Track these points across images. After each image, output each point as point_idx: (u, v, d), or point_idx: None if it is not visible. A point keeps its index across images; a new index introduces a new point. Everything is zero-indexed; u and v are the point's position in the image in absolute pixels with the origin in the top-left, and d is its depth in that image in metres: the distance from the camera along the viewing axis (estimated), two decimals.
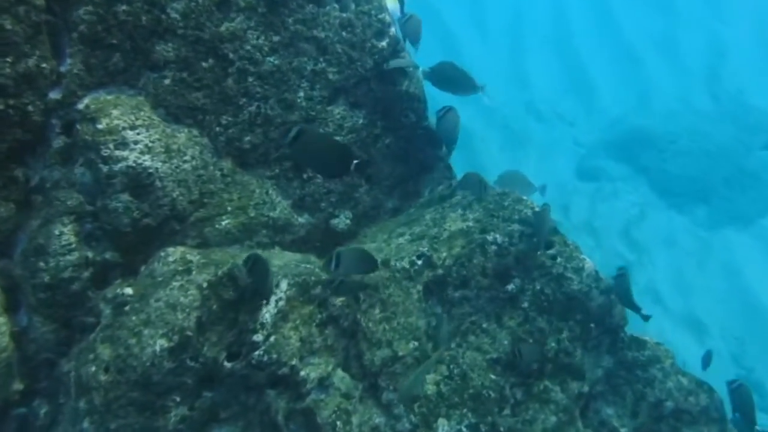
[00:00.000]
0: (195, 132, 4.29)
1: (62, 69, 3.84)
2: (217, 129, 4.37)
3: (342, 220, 4.96)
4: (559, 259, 4.51)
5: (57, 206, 3.90)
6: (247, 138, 4.51)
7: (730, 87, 16.63)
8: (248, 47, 4.32)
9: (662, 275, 12.39)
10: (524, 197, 4.73)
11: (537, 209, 4.60)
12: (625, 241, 13.58)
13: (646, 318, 4.73)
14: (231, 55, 4.27)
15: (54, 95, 3.83)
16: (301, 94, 4.62)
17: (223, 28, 4.18)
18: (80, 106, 3.91)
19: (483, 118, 17.17)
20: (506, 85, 18.49)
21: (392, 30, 4.84)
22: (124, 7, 3.85)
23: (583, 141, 16.54)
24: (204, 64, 4.21)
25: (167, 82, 4.13)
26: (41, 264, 3.79)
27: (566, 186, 15.32)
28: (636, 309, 4.66)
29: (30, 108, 3.70)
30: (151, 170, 3.92)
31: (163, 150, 4.01)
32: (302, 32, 4.50)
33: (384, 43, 4.80)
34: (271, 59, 4.42)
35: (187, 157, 4.17)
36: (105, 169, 3.81)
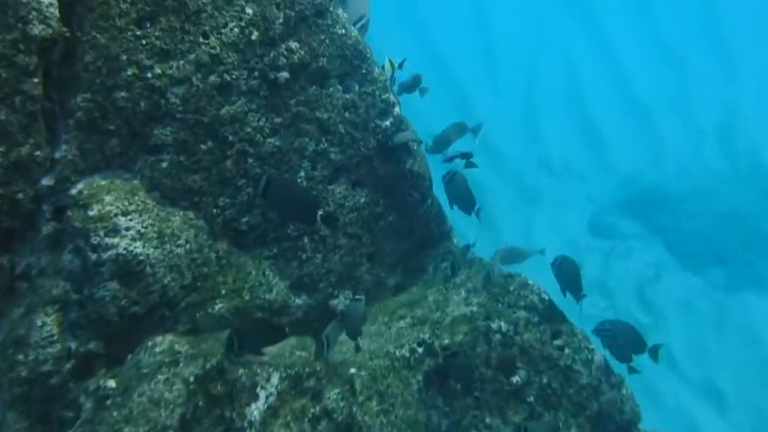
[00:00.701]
0: (191, 214, 4.18)
1: (57, 155, 3.76)
2: (214, 211, 4.26)
3: (342, 301, 4.80)
4: (567, 350, 4.31)
5: (42, 294, 3.78)
6: (245, 219, 4.40)
7: (743, 146, 16.46)
8: (249, 129, 4.23)
9: (679, 340, 12.05)
10: (530, 281, 4.55)
11: (545, 295, 4.41)
12: (639, 303, 13.28)
13: (632, 370, 4.51)
14: (231, 138, 4.19)
15: (46, 182, 3.75)
16: (302, 173, 4.52)
17: (223, 111, 4.11)
18: (73, 192, 3.82)
19: (495, 173, 17.09)
20: (519, 139, 18.44)
21: (396, 109, 4.76)
22: (123, 94, 3.79)
23: (596, 197, 16.36)
24: (203, 147, 4.13)
25: (164, 165, 4.05)
26: (20, 357, 3.65)
27: (578, 243, 15.10)
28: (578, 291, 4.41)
29: (20, 196, 3.62)
30: (141, 257, 3.79)
31: (155, 235, 3.89)
32: (304, 114, 4.42)
33: (388, 123, 4.71)
34: (272, 140, 4.34)
35: (181, 241, 4.05)
36: (93, 257, 3.69)
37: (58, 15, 3.52)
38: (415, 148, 4.91)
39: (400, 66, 5.31)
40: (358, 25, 5.26)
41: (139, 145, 3.99)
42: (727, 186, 14.53)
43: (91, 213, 3.74)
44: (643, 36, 20.80)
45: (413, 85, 5.51)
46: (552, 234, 15.50)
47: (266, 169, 4.35)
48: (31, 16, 3.38)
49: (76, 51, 3.68)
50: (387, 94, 4.71)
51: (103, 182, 3.89)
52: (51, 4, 3.45)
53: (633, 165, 16.30)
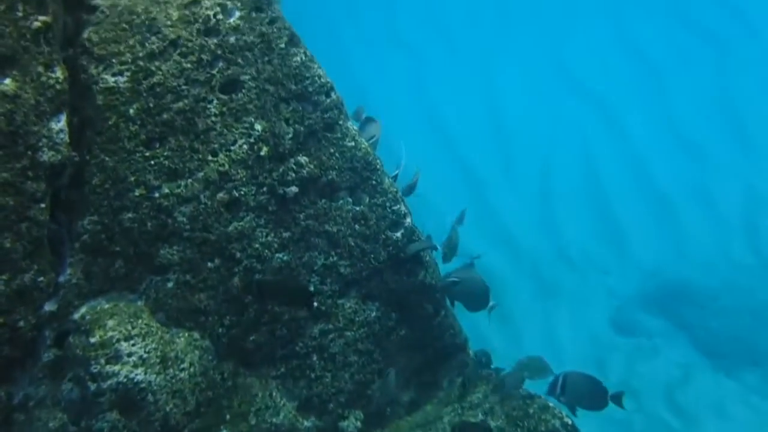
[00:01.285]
0: (196, 335, 4.21)
1: (61, 279, 3.83)
2: (220, 330, 4.31)
3: (352, 422, 4.76)
4: None
5: (38, 428, 3.76)
6: (252, 337, 4.43)
7: None
8: (257, 245, 4.32)
9: None
10: (551, 404, 4.49)
11: (568, 419, 4.35)
12: (669, 406, 12.94)
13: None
14: (238, 255, 4.27)
15: (49, 307, 3.81)
16: (311, 288, 4.56)
17: (231, 228, 4.21)
18: (76, 316, 3.88)
19: (512, 264, 17.08)
20: (536, 230, 18.52)
21: (408, 220, 4.85)
22: (129, 215, 3.90)
23: (618, 292, 16.25)
24: (210, 265, 4.21)
25: (170, 285, 4.12)
26: None
27: (601, 340, 14.90)
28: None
29: (21, 323, 3.66)
30: (143, 384, 3.81)
31: (158, 360, 3.91)
32: (314, 227, 4.52)
33: (399, 234, 4.80)
34: (281, 255, 4.42)
35: (184, 365, 4.06)
36: (93, 387, 3.71)
37: (68, 140, 3.66)
38: (427, 258, 4.97)
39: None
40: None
41: (145, 265, 4.07)
42: (756, 281, 14.41)
43: (92, 340, 3.78)
44: (660, 123, 21.21)
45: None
46: (573, 330, 15.32)
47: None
48: (41, 144, 3.53)
49: (84, 174, 3.82)
50: (398, 205, 4.82)
51: (106, 305, 3.95)
52: (61, 131, 3.61)
53: (656, 258, 16.26)
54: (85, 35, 3.89)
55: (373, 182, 4.68)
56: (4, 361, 3.70)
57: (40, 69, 3.52)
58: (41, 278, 3.71)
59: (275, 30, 4.29)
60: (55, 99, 3.57)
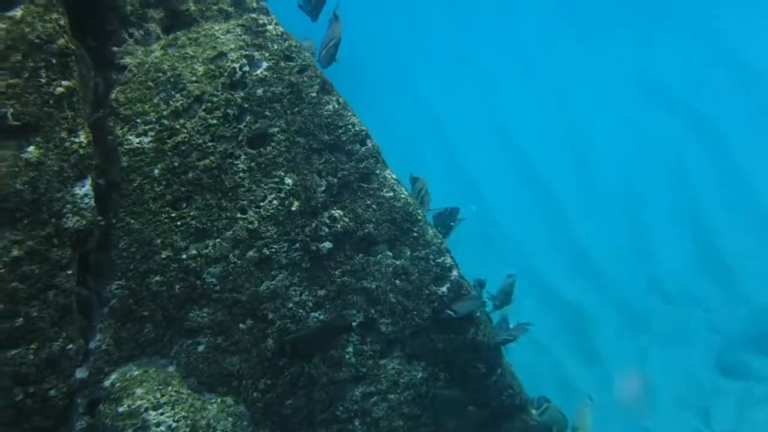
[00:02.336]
0: (229, 400, 4.35)
1: (91, 345, 4.06)
2: (255, 394, 4.43)
3: None
4: None
5: None
6: (289, 401, 4.55)
7: None
8: (290, 305, 4.45)
9: None
10: None
11: None
12: None
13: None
14: (271, 315, 4.41)
15: (80, 374, 4.03)
16: (350, 349, 4.67)
17: (263, 288, 4.36)
18: (106, 384, 4.08)
19: (597, 298, 16.77)
20: (623, 259, 18.12)
21: (454, 273, 4.90)
22: (157, 278, 4.10)
23: (722, 328, 15.69)
24: (242, 326, 4.36)
25: (201, 348, 4.29)
26: None
27: (703, 382, 14.40)
28: None
29: (52, 393, 3.88)
30: None
31: (188, 429, 4.07)
32: (351, 284, 4.62)
33: (444, 289, 4.85)
34: (316, 314, 4.53)
35: None
36: None
37: (94, 204, 3.90)
38: (478, 313, 5.00)
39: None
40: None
41: (175, 329, 4.26)
42: None
43: (120, 409, 3.97)
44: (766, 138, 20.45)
45: (449, 217, 5.69)
46: (670, 371, 14.87)
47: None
48: (65, 210, 3.77)
49: (111, 238, 4.05)
50: (442, 258, 4.88)
51: (136, 372, 4.15)
52: (86, 195, 3.85)
53: (766, 293, 15.61)
54: (113, 95, 4.15)
55: (415, 234, 4.76)
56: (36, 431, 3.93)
57: (64, 134, 3.77)
58: (70, 346, 3.93)
59: (305, 79, 4.46)
60: (78, 164, 3.81)
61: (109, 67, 4.26)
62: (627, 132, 21.20)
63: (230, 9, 4.53)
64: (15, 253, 3.61)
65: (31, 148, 3.66)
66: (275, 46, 4.39)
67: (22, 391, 3.79)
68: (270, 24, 4.45)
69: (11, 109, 3.57)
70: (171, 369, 4.28)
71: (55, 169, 3.72)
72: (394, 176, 4.75)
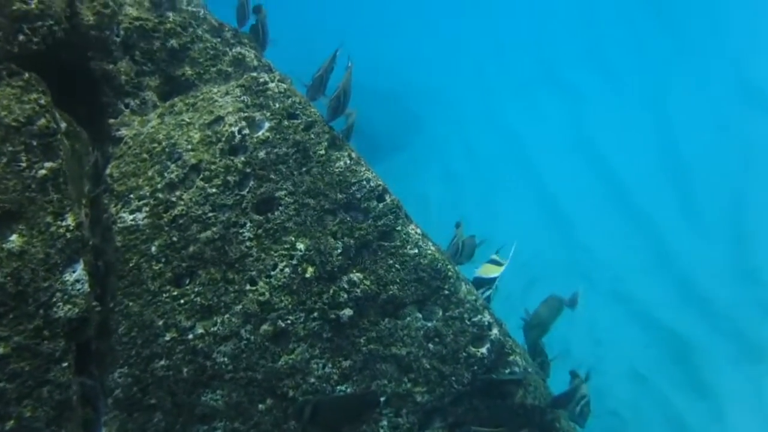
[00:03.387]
0: None
1: None
2: None
3: None
4: None
5: None
6: None
7: None
8: (312, 380, 4.10)
9: None
10: None
11: None
12: None
13: None
14: (292, 393, 4.08)
15: None
16: (384, 422, 4.26)
17: (281, 363, 4.03)
18: None
19: (705, 324, 15.70)
20: (731, 281, 16.93)
21: (494, 332, 4.43)
22: (162, 362, 3.83)
23: None
24: (261, 407, 4.04)
25: None
26: None
27: None
28: None
29: None
30: None
31: None
32: (378, 352, 4.23)
33: (484, 350, 4.38)
34: (343, 388, 4.16)
35: None
36: None
37: (88, 289, 3.67)
38: (526, 377, 4.50)
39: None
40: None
41: (187, 415, 3.96)
42: None
43: None
44: None
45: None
46: None
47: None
48: (54, 299, 3.56)
49: (110, 323, 3.81)
50: (479, 316, 4.41)
51: None
52: (77, 281, 3.62)
53: None
54: (108, 171, 3.95)
55: (446, 292, 4.33)
56: None
57: (49, 219, 3.57)
58: None
59: (312, 136, 4.14)
60: (66, 248, 3.60)
61: (107, 140, 4.07)
62: (730, 144, 19.92)
63: (230, 69, 4.28)
64: (1, 350, 3.40)
65: (13, 237, 3.47)
66: (277, 105, 4.10)
67: None
68: (272, 82, 4.16)
69: None
70: None
71: (40, 256, 3.51)
72: (419, 231, 4.34)
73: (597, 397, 5.30)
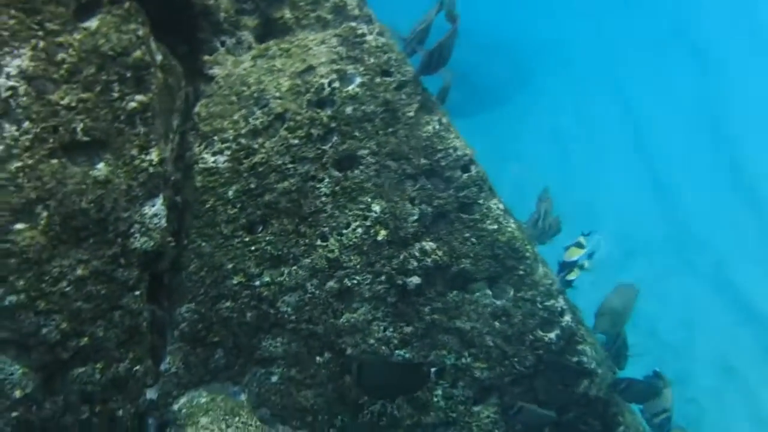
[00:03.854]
0: None
1: (162, 367, 3.94)
2: (331, 431, 4.12)
3: None
4: None
5: None
6: None
7: None
8: (372, 341, 4.09)
9: None
10: None
11: None
12: None
13: None
14: (350, 350, 4.09)
15: (151, 395, 3.93)
16: (439, 392, 4.24)
17: (342, 320, 4.03)
18: (175, 408, 3.96)
19: None
20: None
21: (566, 318, 4.29)
22: (227, 304, 3.89)
23: None
24: (318, 359, 4.07)
25: (274, 379, 4.05)
26: None
27: None
28: None
29: (120, 413, 3.80)
30: None
31: None
32: (442, 323, 4.17)
33: (552, 335, 4.26)
34: (401, 352, 4.14)
35: None
36: None
37: (164, 224, 3.74)
38: (592, 365, 4.36)
39: None
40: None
41: (246, 357, 4.04)
42: None
43: None
44: None
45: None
46: None
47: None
48: (132, 230, 3.63)
49: (183, 260, 3.88)
50: (552, 301, 4.28)
51: (204, 399, 3.97)
52: (156, 215, 3.69)
53: None
54: (196, 109, 3.96)
55: (520, 272, 4.20)
56: None
57: (134, 152, 3.62)
58: (138, 367, 3.83)
59: (403, 96, 4.03)
60: (148, 183, 3.65)
61: (199, 76, 4.07)
62: None
63: (329, 17, 4.18)
64: (80, 272, 3.52)
65: (100, 165, 3.54)
66: (372, 60, 3.98)
67: (89, 409, 3.72)
68: (370, 34, 4.04)
69: (81, 125, 3.45)
70: (242, 397, 4.07)
71: (123, 187, 3.58)
72: (501, 206, 4.20)
73: (676, 383, 5.11)
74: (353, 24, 4.10)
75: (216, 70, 4.01)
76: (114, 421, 3.81)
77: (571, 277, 4.92)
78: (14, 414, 3.53)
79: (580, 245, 5.05)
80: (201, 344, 3.94)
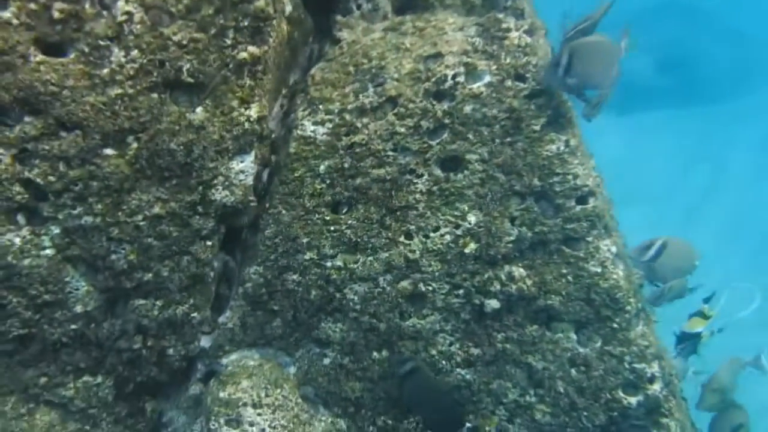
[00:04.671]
0: (342, 424, 3.94)
1: (221, 319, 3.89)
2: (371, 429, 3.96)
3: None
4: None
5: None
6: None
7: None
8: (434, 352, 3.84)
9: None
10: None
11: None
12: None
13: None
14: (408, 355, 3.84)
15: (204, 343, 3.90)
16: (495, 419, 3.92)
17: (408, 323, 3.81)
18: (225, 361, 3.91)
19: None
20: None
21: (655, 387, 3.83)
22: (294, 277, 3.75)
23: None
24: (375, 355, 3.88)
25: (326, 362, 3.91)
26: None
27: None
28: None
29: (170, 351, 3.80)
30: None
31: None
32: (513, 354, 3.84)
33: (633, 401, 3.83)
34: (463, 372, 3.86)
35: None
36: None
37: (251, 182, 3.61)
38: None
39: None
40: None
41: (303, 333, 3.91)
42: None
43: (221, 394, 3.76)
44: None
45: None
46: None
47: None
48: (215, 182, 3.53)
49: (260, 221, 3.76)
50: (643, 364, 3.81)
51: (252, 362, 3.90)
52: (242, 171, 3.56)
53: None
54: (313, 70, 3.77)
55: (614, 325, 3.76)
56: (151, 381, 3.90)
57: (234, 103, 3.49)
58: (195, 314, 3.79)
59: (532, 107, 3.62)
60: (241, 138, 3.53)
61: (327, 36, 3.85)
62: None
63: (477, 1, 3.79)
64: (157, 210, 3.49)
65: (198, 110, 3.46)
66: (508, 60, 3.59)
67: (141, 340, 3.74)
68: (515, 30, 3.64)
69: (188, 65, 3.36)
70: (292, 370, 3.97)
71: (215, 137, 3.48)
72: (614, 249, 3.74)
73: None
74: (501, 15, 3.69)
75: (344, 34, 3.78)
76: (163, 356, 3.80)
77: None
78: (73, 326, 3.59)
79: (703, 315, 4.45)
80: (261, 308, 3.85)
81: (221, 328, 3.86)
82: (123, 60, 3.22)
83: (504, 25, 3.66)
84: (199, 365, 3.97)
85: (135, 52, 3.23)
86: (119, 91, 3.23)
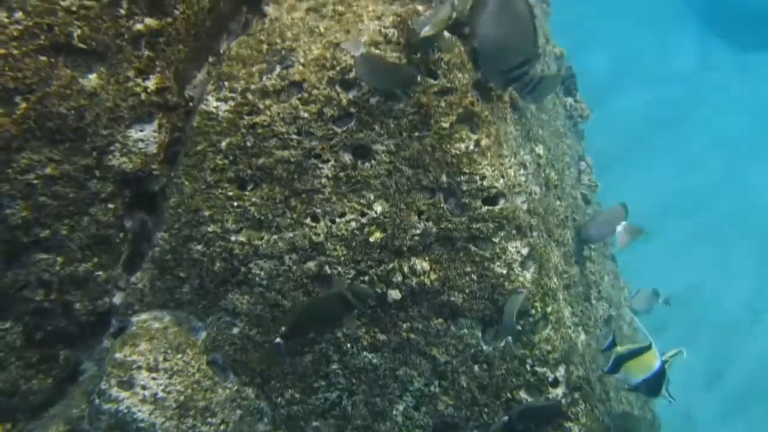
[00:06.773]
0: (249, 393, 3.92)
1: (132, 279, 3.83)
2: (279, 400, 3.94)
3: None
4: None
5: (70, 406, 3.98)
6: (315, 423, 3.98)
7: None
8: (339, 333, 3.74)
9: None
10: None
11: None
12: None
13: None
14: (312, 334, 3.76)
15: (116, 299, 3.86)
16: (400, 407, 3.87)
17: None
18: (133, 319, 3.88)
19: None
20: None
21: (557, 391, 3.71)
22: (199, 247, 3.64)
23: None
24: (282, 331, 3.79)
25: (235, 331, 3.84)
26: None
27: None
28: None
29: (77, 306, 3.78)
30: (143, 424, 3.69)
31: (176, 405, 3.75)
32: (418, 344, 3.73)
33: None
34: (370, 356, 3.77)
35: (214, 420, 3.85)
36: (96, 402, 3.73)
37: (154, 150, 3.49)
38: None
39: None
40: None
41: (211, 301, 3.84)
42: None
43: (116, 355, 3.75)
44: None
45: None
46: None
47: (354, 384, 3.83)
48: (112, 148, 3.41)
49: (166, 190, 3.65)
50: (545, 369, 3.66)
51: (158, 324, 3.85)
52: (142, 140, 3.43)
53: None
54: (233, 44, 3.56)
55: (517, 328, 3.59)
56: (64, 332, 3.90)
57: (131, 73, 3.31)
58: (99, 273, 3.74)
59: (443, 104, 3.34)
60: (137, 108, 3.36)
61: (256, 9, 3.61)
62: None
63: None
64: (49, 170, 3.39)
65: (91, 76, 3.28)
66: (419, 54, 3.31)
67: (43, 294, 3.72)
68: (431, 18, 3.32)
69: (79, 31, 3.18)
70: (202, 335, 3.91)
71: (108, 104, 3.32)
72: (523, 252, 3.52)
73: None
74: (420, 7, 3.37)
75: (270, 9, 3.52)
76: (70, 310, 3.78)
77: None
78: None
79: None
80: (169, 273, 3.76)
81: (131, 287, 3.78)
82: (6, 20, 3.05)
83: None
84: (114, 321, 3.93)
85: (19, 14, 3.05)
86: (2, 51, 3.07)
